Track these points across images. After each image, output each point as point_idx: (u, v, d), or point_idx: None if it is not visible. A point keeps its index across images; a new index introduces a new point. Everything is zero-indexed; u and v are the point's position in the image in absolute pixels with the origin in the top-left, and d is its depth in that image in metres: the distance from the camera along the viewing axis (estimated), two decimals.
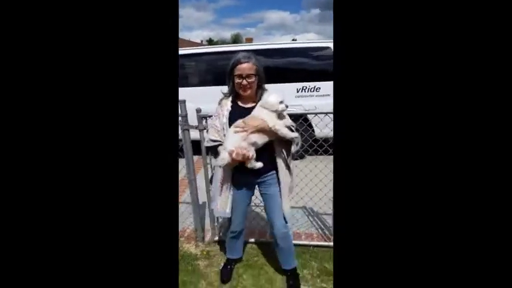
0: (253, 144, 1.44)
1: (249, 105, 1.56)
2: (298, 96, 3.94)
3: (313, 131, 3.73)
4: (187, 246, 2.16)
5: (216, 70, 4.24)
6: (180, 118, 1.95)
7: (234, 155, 1.40)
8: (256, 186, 1.64)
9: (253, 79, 1.49)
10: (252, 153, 1.43)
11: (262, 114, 1.45)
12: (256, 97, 1.57)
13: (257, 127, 1.43)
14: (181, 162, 1.83)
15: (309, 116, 3.61)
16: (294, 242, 2.10)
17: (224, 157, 1.43)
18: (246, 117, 1.47)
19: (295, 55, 4.04)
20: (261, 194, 1.65)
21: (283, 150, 1.54)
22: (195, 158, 2.14)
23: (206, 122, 1.94)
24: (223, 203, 1.61)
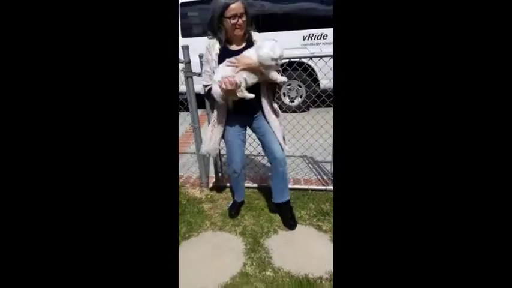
0: (243, 79, 1.47)
1: (239, 47, 1.57)
2: (305, 45, 3.79)
3: (318, 85, 3.66)
4: (192, 191, 2.29)
5: None
6: (183, 65, 1.95)
7: (223, 84, 1.42)
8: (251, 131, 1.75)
9: (244, 17, 1.49)
10: (240, 80, 1.46)
11: (253, 56, 1.46)
12: (244, 37, 1.57)
13: (249, 65, 1.45)
14: (182, 116, 1.87)
15: (315, 68, 3.51)
16: (293, 186, 2.22)
17: (216, 90, 1.48)
18: (239, 55, 1.49)
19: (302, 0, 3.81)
20: (256, 134, 1.76)
21: (267, 92, 1.62)
22: (200, 112, 2.18)
23: None
24: (213, 140, 1.72)
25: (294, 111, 3.93)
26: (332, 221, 1.87)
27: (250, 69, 1.47)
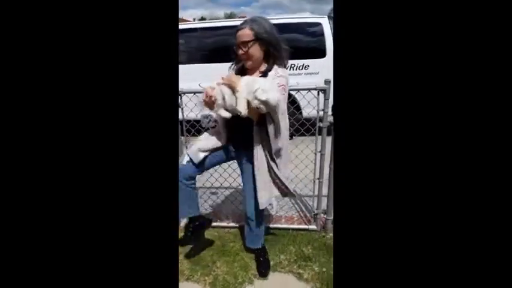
0: (221, 97, 1.31)
1: None
2: None
3: (300, 113, 3.59)
4: None
5: (206, 47, 4.05)
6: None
7: (204, 95, 1.33)
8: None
9: (254, 47, 1.32)
10: (217, 97, 1.31)
11: (245, 81, 1.27)
12: (257, 70, 1.40)
13: (230, 83, 1.27)
14: None
15: (296, 96, 3.45)
16: (274, 225, 2.02)
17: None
18: (233, 74, 1.39)
19: (286, 31, 3.83)
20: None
21: (260, 131, 1.36)
22: None
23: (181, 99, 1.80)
24: (201, 146, 1.51)
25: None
26: (314, 267, 1.67)
27: (232, 88, 1.28)
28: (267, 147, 1.39)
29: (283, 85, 1.34)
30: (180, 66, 3.80)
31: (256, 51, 1.34)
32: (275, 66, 1.39)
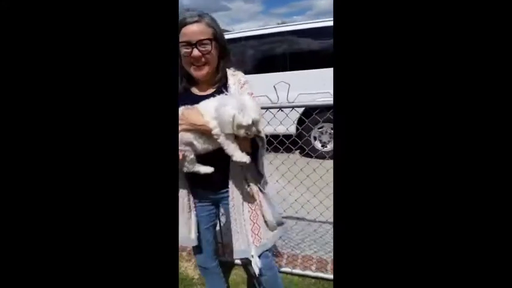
0: (189, 144, 1.01)
1: (205, 93, 1.08)
2: None
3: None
4: (185, 266, 1.93)
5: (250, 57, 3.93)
6: None
7: None
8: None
9: (208, 48, 0.98)
10: (186, 153, 1.01)
11: (209, 111, 0.96)
12: (213, 79, 1.06)
13: (194, 126, 0.97)
14: None
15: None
16: (285, 269, 1.73)
17: None
18: (185, 107, 1.01)
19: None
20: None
21: (238, 167, 1.07)
22: None
23: None
24: (185, 226, 1.19)
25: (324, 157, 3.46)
26: None
27: (199, 130, 0.99)
28: (253, 179, 1.12)
29: (252, 93, 1.06)
30: None
31: (215, 55, 1.02)
32: (230, 71, 1.09)
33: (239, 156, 0.97)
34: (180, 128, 0.97)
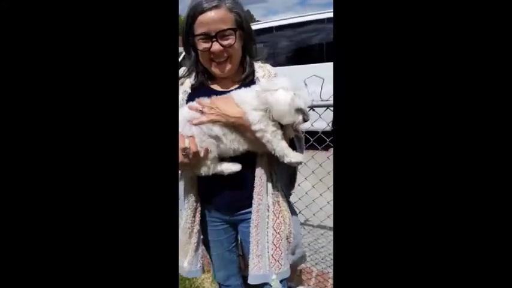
0: (215, 138, 0.80)
1: (227, 89, 0.89)
2: None
3: None
4: (202, 277, 1.76)
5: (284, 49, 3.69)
6: None
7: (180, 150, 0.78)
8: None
9: (232, 40, 0.81)
10: (211, 148, 0.80)
11: (246, 102, 0.78)
12: (239, 74, 0.90)
13: (227, 117, 0.78)
14: None
15: None
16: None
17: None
18: (215, 97, 0.82)
19: None
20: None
21: (268, 170, 0.88)
22: None
23: None
24: (189, 254, 0.98)
25: None
26: None
27: (229, 125, 0.79)
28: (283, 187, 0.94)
29: None
30: None
31: (238, 47, 0.84)
32: (258, 64, 0.92)
33: (294, 155, 0.78)
34: (207, 118, 0.79)
